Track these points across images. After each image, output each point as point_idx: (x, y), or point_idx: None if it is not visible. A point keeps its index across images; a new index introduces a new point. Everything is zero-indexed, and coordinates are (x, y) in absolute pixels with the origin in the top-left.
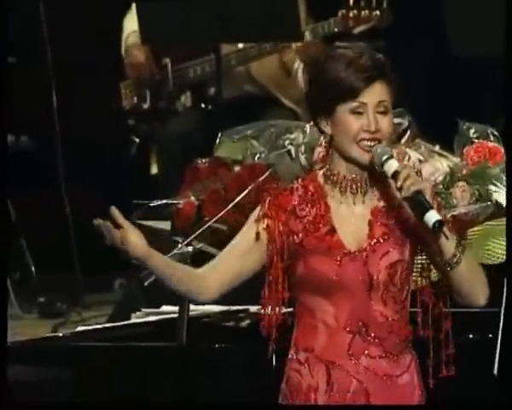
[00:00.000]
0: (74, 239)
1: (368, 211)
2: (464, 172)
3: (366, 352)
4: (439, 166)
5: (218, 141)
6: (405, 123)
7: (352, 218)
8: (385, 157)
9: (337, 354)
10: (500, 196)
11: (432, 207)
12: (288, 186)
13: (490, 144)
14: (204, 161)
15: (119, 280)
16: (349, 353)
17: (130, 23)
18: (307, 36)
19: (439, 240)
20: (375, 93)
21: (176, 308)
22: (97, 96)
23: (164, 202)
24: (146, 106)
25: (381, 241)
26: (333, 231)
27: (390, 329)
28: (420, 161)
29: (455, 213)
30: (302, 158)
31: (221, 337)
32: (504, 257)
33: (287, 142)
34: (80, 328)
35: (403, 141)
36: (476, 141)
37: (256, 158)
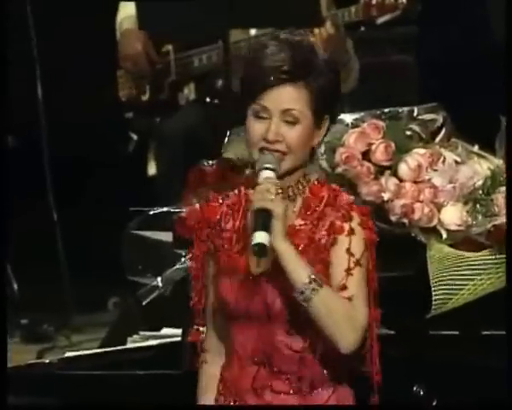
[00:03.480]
0: (63, 251)
1: None
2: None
3: (271, 387)
4: (478, 168)
5: (226, 140)
6: (440, 119)
7: None
8: (263, 165)
9: (243, 388)
10: None
11: (264, 230)
12: (224, 194)
13: None
14: (210, 162)
15: (114, 299)
16: (253, 386)
17: (127, 7)
18: (327, 24)
19: (288, 272)
20: (280, 99)
21: (178, 331)
22: (90, 86)
23: (165, 209)
24: (145, 98)
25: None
26: (243, 250)
27: (299, 362)
28: (456, 162)
29: (496, 222)
30: (322, 160)
31: None
32: None
33: None
34: (69, 354)
35: (437, 140)
36: None
37: None
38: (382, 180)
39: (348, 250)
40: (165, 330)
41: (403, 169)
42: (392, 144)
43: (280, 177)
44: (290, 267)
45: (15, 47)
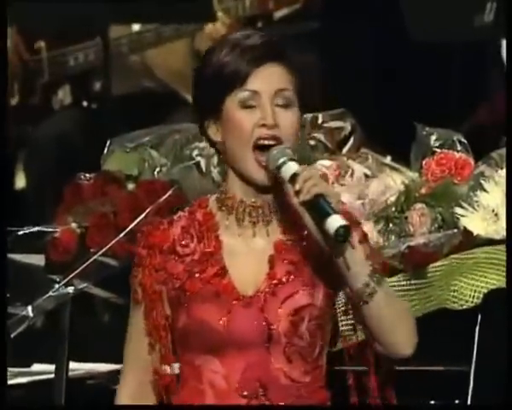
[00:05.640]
0: None
1: (271, 245)
2: (423, 190)
3: None
4: (390, 182)
5: (106, 150)
6: (347, 127)
7: (251, 254)
8: (282, 160)
9: None
10: (470, 221)
11: (336, 213)
12: (169, 218)
13: (456, 155)
14: (88, 176)
15: None
16: None
17: None
18: (220, 17)
19: (348, 265)
20: (270, 78)
21: (52, 367)
22: None
23: (35, 229)
24: (13, 102)
25: (284, 281)
26: (223, 271)
27: (297, 393)
28: (366, 176)
29: (411, 243)
30: (215, 172)
31: (108, 401)
32: (475, 300)
33: (195, 152)
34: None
35: (344, 150)
36: (439, 151)
37: (156, 173)
38: None
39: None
40: (37, 366)
41: None
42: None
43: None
44: (352, 257)
45: None
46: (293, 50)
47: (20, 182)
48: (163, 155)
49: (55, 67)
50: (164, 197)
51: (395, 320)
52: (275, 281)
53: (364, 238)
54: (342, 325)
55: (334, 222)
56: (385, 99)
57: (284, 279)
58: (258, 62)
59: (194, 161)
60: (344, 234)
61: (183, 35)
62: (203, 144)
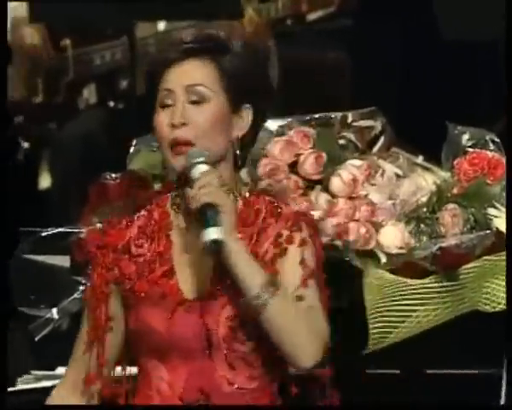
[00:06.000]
0: None
1: None
2: (455, 190)
3: None
4: (422, 183)
5: (132, 150)
6: (378, 126)
7: (200, 256)
8: (195, 160)
9: None
10: (503, 222)
11: (216, 225)
12: (131, 217)
13: (489, 154)
14: (114, 176)
15: None
16: None
17: None
18: (249, 16)
19: (238, 276)
20: (183, 75)
21: None
22: None
23: (60, 229)
24: (38, 100)
25: (228, 284)
26: (171, 273)
27: (242, 400)
28: (397, 176)
29: (443, 244)
30: (243, 172)
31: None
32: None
33: None
34: None
35: (375, 150)
36: (471, 150)
37: None
38: (312, 196)
39: (302, 261)
40: (61, 370)
41: (335, 183)
42: (324, 155)
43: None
44: (242, 268)
45: None
46: (226, 49)
47: (45, 182)
48: None
49: (81, 66)
50: None
51: (291, 332)
52: (218, 286)
53: (303, 243)
54: None
55: (208, 235)
56: (416, 98)
57: (228, 282)
58: (174, 59)
59: None
60: (215, 249)
61: None
62: None
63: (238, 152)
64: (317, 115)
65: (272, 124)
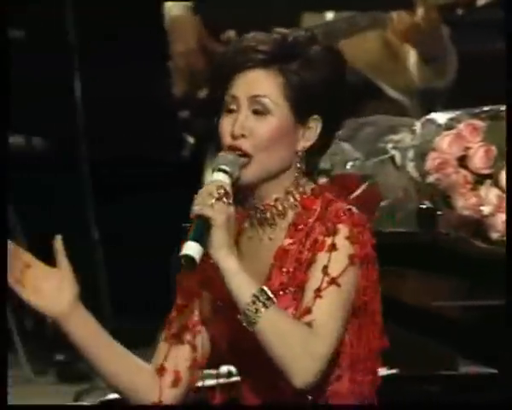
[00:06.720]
0: (104, 273)
1: (273, 252)
2: None
3: None
4: None
5: None
6: None
7: (257, 259)
8: (217, 166)
9: None
10: None
11: (197, 241)
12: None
13: None
14: None
15: None
16: None
17: None
18: (419, 7)
19: (231, 288)
20: (248, 84)
21: None
22: (137, 82)
23: None
24: (202, 95)
25: (281, 294)
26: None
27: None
28: None
29: None
30: (410, 166)
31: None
32: None
33: (390, 145)
34: (111, 396)
35: None
36: None
37: (348, 166)
38: (482, 191)
39: (324, 268)
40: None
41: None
42: (494, 149)
43: (249, 188)
44: (232, 285)
45: (53, 39)
46: (300, 56)
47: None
48: (356, 149)
49: None
50: (356, 193)
51: (286, 350)
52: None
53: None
54: None
55: (185, 248)
56: None
57: (281, 292)
58: (241, 66)
59: (388, 155)
60: (185, 265)
61: (377, 25)
62: (398, 137)
63: (300, 165)
64: (486, 108)
65: (441, 117)
